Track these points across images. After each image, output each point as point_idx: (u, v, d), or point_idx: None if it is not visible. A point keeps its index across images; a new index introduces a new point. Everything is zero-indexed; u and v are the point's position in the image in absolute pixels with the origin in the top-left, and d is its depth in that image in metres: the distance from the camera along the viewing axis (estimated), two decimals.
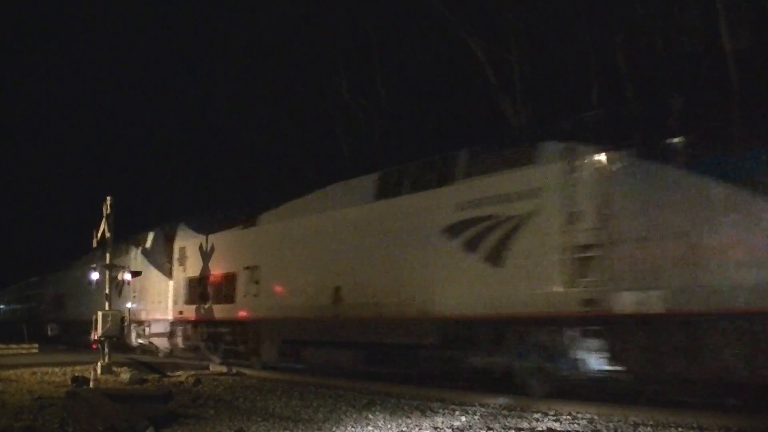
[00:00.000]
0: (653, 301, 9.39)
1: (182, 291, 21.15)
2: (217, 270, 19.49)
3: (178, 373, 16.82)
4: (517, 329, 11.28)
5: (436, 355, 12.58)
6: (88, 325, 20.51)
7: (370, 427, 8.97)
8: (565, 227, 10.53)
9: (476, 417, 9.66)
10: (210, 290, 19.54)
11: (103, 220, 18.01)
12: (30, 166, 62.21)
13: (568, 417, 9.46)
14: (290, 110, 35.32)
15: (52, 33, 66.68)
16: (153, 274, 22.74)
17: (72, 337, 30.04)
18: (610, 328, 10.01)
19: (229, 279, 18.64)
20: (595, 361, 10.25)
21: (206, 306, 19.65)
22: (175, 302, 21.59)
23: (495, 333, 11.60)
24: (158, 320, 22.67)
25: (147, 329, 23.38)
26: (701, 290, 8.93)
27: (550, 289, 10.60)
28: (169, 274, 22.18)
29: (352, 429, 8.88)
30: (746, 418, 8.52)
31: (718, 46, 21.11)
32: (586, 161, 10.54)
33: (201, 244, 20.29)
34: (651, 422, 8.80)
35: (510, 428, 8.79)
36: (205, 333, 19.92)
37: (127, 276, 23.03)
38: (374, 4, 29.64)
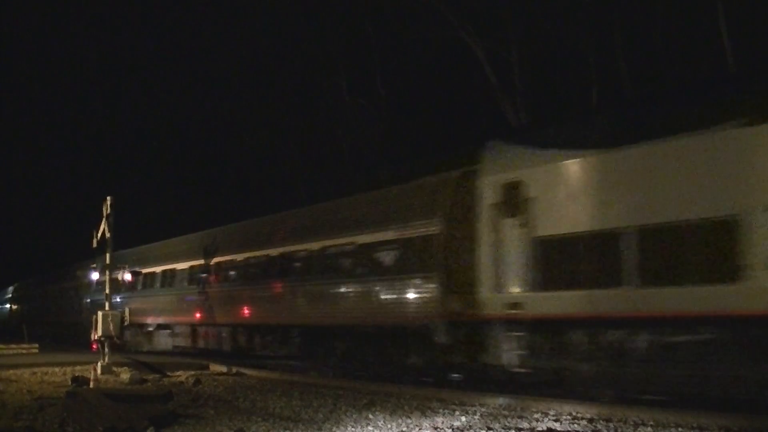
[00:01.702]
0: None
1: None
2: None
3: (178, 373, 16.80)
4: None
5: None
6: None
7: (370, 427, 8.97)
8: None
9: (476, 417, 9.66)
10: None
11: (103, 220, 17.95)
12: (30, 166, 62.22)
13: (568, 417, 9.46)
14: (290, 111, 35.33)
15: (54, 34, 66.68)
16: None
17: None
18: None
19: None
20: None
21: None
22: None
23: None
24: None
25: None
26: None
27: None
28: None
29: (353, 429, 8.88)
30: (746, 418, 8.52)
31: (718, 45, 21.14)
32: None
33: None
34: (651, 422, 8.79)
35: (510, 428, 8.79)
36: None
37: (127, 276, 23.04)
38: (374, 4, 29.64)
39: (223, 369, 17.41)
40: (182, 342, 23.54)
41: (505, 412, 9.98)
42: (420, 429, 8.85)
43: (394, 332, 14.49)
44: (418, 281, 13.84)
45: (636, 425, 8.72)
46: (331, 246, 16.50)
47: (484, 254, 12.51)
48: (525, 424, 9.03)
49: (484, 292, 12.43)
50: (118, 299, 23.87)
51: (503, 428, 8.80)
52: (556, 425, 8.95)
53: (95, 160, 53.75)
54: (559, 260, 11.40)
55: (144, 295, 25.59)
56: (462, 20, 25.83)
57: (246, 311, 19.68)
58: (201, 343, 22.45)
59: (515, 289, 11.95)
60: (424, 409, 10.46)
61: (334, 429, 8.88)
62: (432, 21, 27.51)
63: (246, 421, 9.48)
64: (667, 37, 23.72)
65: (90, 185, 44.90)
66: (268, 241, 19.37)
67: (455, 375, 13.43)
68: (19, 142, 66.57)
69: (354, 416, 9.83)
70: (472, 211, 12.94)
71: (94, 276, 24.48)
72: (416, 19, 28.41)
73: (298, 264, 17.77)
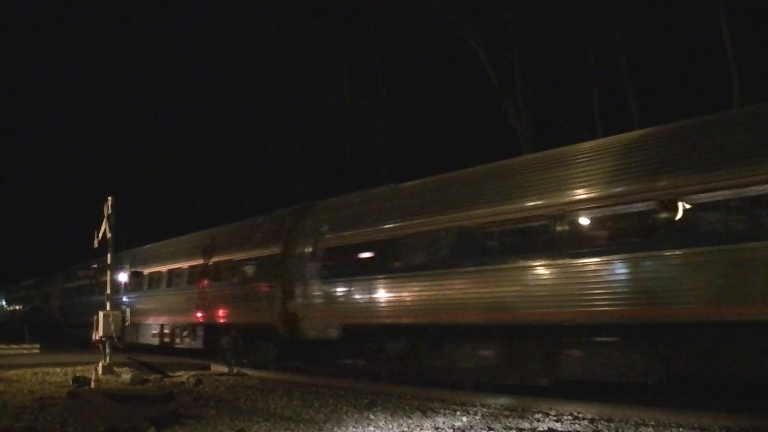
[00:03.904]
0: None
1: None
2: None
3: (179, 373, 16.81)
4: None
5: None
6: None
7: (371, 428, 8.97)
8: None
9: (477, 417, 9.67)
10: None
11: (104, 220, 17.93)
12: (31, 166, 62.32)
13: (570, 417, 9.46)
14: (291, 111, 35.33)
15: (55, 34, 66.82)
16: None
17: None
18: None
19: None
20: None
21: None
22: None
23: None
24: None
25: None
26: None
27: None
28: None
29: (354, 429, 8.89)
30: (746, 418, 8.52)
31: (719, 46, 21.14)
32: None
33: None
34: (652, 422, 8.80)
35: (511, 428, 8.80)
36: None
37: (125, 277, 23.05)
38: (375, 4, 29.65)
39: (224, 369, 17.42)
40: None
41: (507, 413, 9.99)
42: (421, 429, 8.85)
43: None
44: None
45: (637, 425, 8.73)
46: None
47: None
48: (526, 425, 9.03)
49: None
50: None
51: (504, 428, 8.80)
52: (558, 425, 8.95)
53: (95, 160, 53.83)
54: None
55: None
56: (463, 20, 25.83)
57: None
58: None
59: None
60: (426, 409, 10.46)
61: (335, 429, 8.89)
62: (433, 21, 27.51)
63: (247, 422, 9.49)
64: (668, 37, 23.71)
65: (90, 185, 44.96)
66: None
67: None
68: (19, 142, 66.66)
69: (355, 416, 9.83)
70: None
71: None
72: (417, 20, 28.42)
73: None
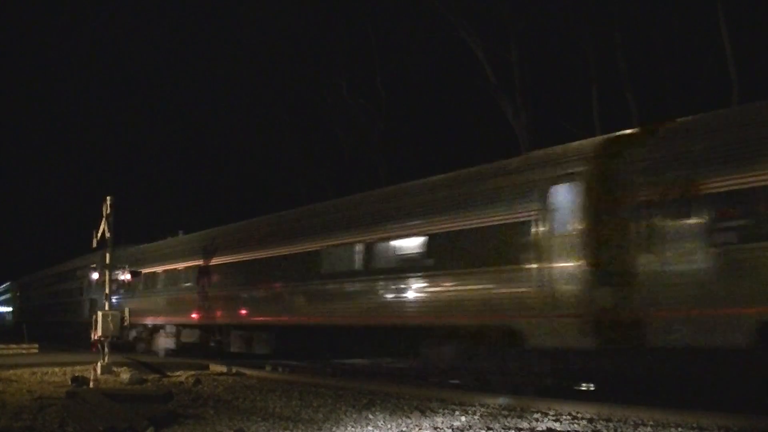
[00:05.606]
0: None
1: None
2: None
3: (178, 373, 16.80)
4: None
5: None
6: None
7: (370, 427, 8.96)
8: None
9: (476, 417, 9.66)
10: None
11: (103, 220, 17.92)
12: (30, 166, 62.35)
13: (568, 417, 9.46)
14: (290, 111, 35.33)
15: (55, 35, 66.84)
16: None
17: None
18: None
19: None
20: None
21: None
22: None
23: None
24: None
25: None
26: None
27: None
28: None
29: (352, 429, 8.88)
30: (746, 418, 8.52)
31: (718, 46, 21.15)
32: None
33: None
34: (651, 422, 8.80)
35: (510, 428, 8.79)
36: None
37: (127, 276, 23.04)
38: (375, 4, 29.66)
39: (223, 369, 17.43)
40: None
41: (505, 412, 9.98)
42: (420, 429, 8.84)
43: None
44: None
45: (636, 425, 8.72)
46: None
47: None
48: (525, 424, 9.03)
49: None
50: None
51: (503, 428, 8.80)
52: (556, 425, 8.95)
53: (95, 160, 53.82)
54: None
55: None
56: (462, 20, 25.84)
57: None
58: None
59: None
60: (424, 409, 10.46)
61: (333, 429, 8.88)
62: (432, 21, 27.52)
63: (246, 421, 9.48)
64: (667, 37, 23.73)
65: (90, 185, 44.96)
66: None
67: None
68: (18, 142, 66.69)
69: (354, 416, 9.83)
70: None
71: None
72: (416, 19, 28.43)
73: None
